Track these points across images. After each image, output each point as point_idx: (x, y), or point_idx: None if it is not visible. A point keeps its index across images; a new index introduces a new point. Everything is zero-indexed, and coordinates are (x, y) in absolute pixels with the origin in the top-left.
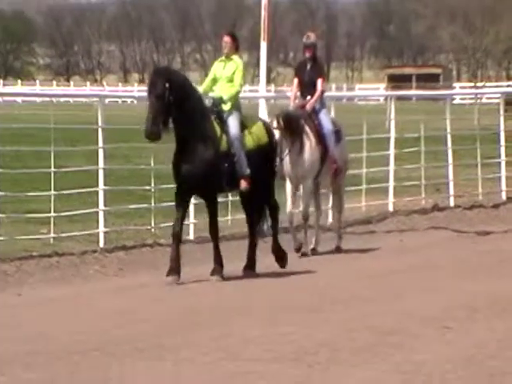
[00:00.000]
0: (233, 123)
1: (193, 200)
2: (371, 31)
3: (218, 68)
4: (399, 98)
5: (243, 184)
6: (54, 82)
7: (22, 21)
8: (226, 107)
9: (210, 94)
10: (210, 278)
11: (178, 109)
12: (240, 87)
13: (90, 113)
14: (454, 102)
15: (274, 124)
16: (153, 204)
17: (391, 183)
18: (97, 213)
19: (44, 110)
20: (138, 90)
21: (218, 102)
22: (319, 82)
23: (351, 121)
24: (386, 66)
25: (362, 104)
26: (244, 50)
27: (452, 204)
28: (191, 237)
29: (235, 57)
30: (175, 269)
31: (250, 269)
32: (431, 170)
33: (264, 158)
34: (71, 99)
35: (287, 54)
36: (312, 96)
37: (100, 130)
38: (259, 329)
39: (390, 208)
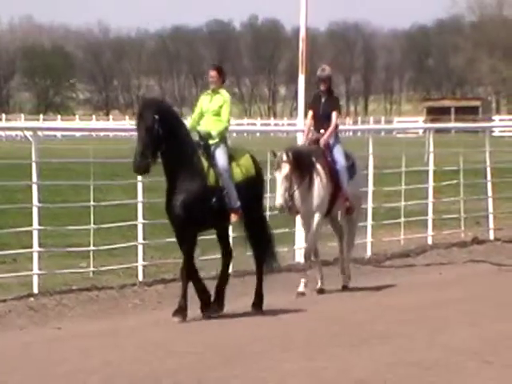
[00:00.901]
0: (220, 156)
1: (231, 233)
2: (410, 64)
3: (205, 101)
4: (438, 131)
5: (233, 217)
6: (94, 117)
7: (62, 56)
8: (212, 141)
9: (198, 128)
10: (173, 318)
11: (167, 141)
12: (228, 122)
13: (128, 146)
14: (494, 134)
15: (284, 158)
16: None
17: (430, 216)
18: (136, 246)
19: (83, 144)
20: None
21: (207, 137)
22: (334, 115)
23: (390, 153)
24: (425, 99)
25: (400, 137)
26: (282, 84)
27: (492, 237)
28: (230, 270)
29: (222, 91)
30: (183, 308)
31: (257, 306)
32: (470, 202)
33: (253, 190)
34: (110, 133)
35: None
36: (326, 130)
37: None
38: (296, 363)
39: (429, 241)
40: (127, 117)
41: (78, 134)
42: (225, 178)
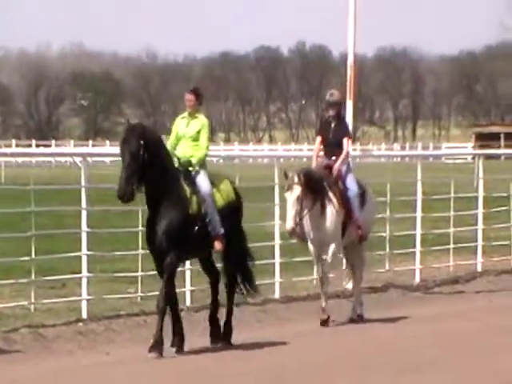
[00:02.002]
0: (203, 181)
1: (278, 259)
2: (458, 89)
3: (181, 125)
4: (487, 157)
5: (217, 245)
6: None
7: (111, 82)
8: (192, 168)
9: (177, 154)
10: (148, 354)
11: (151, 168)
12: (207, 149)
13: None
14: None
15: (295, 179)
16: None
17: (480, 242)
18: (183, 272)
19: None
20: (223, 149)
21: (187, 165)
22: (345, 141)
23: (438, 180)
24: (474, 125)
25: (449, 163)
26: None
27: None
28: (277, 296)
29: (200, 115)
30: (159, 343)
31: (226, 339)
32: None
33: (235, 216)
34: None
35: (373, 113)
36: (337, 156)
37: None
38: None
39: (479, 268)
40: None
41: None
42: (208, 203)
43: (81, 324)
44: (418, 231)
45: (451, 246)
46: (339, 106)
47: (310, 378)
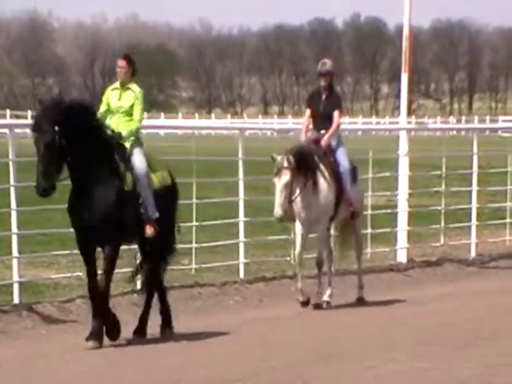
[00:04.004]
0: (138, 159)
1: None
2: None
3: (112, 98)
4: None
5: (149, 230)
6: (196, 115)
7: (166, 54)
8: (127, 143)
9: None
10: (86, 343)
11: (73, 150)
12: (140, 123)
13: (230, 145)
14: None
15: (285, 164)
16: (292, 235)
17: None
18: (237, 244)
19: (186, 142)
20: (277, 123)
21: (117, 138)
22: (336, 114)
23: (495, 153)
24: None
25: (506, 136)
26: (384, 82)
27: None
28: (332, 269)
29: (133, 85)
30: (98, 332)
31: (140, 333)
32: None
33: (169, 201)
34: (212, 131)
35: (428, 86)
36: (327, 130)
37: (240, 162)
38: (399, 363)
39: None
40: (229, 115)
41: (180, 131)
42: (143, 183)
43: (135, 295)
44: (474, 205)
45: (508, 220)
46: (331, 76)
47: (366, 350)
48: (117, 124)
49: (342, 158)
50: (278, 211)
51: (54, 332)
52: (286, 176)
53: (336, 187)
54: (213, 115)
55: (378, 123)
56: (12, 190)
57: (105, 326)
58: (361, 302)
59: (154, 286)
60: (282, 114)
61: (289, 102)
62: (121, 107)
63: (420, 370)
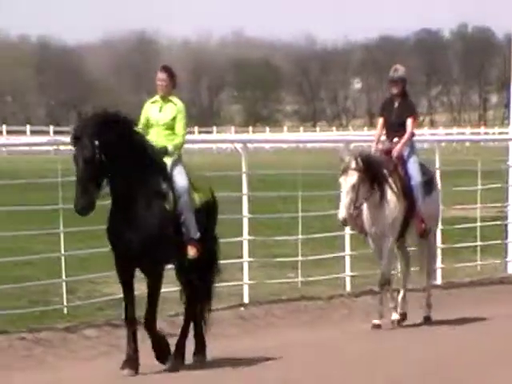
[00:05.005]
0: (180, 176)
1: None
2: None
3: (153, 111)
4: None
5: (191, 251)
6: (301, 128)
7: (270, 69)
8: (168, 159)
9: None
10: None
11: (113, 166)
12: (184, 137)
13: (331, 158)
14: None
15: (352, 165)
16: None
17: None
18: (343, 257)
19: (291, 155)
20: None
21: (162, 153)
22: (409, 122)
23: None
24: None
25: None
26: (493, 91)
27: None
28: (439, 282)
29: (174, 98)
30: (133, 358)
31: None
32: None
33: (211, 218)
34: (317, 144)
35: None
36: (400, 139)
37: None
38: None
39: None
40: (334, 128)
41: (285, 145)
42: (184, 202)
43: (242, 309)
44: None
45: None
46: (404, 82)
47: (475, 364)
48: (157, 137)
49: (414, 170)
50: (342, 213)
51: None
52: (352, 177)
53: (406, 203)
54: (317, 128)
55: (486, 134)
56: None
57: (154, 350)
58: (428, 321)
59: (202, 304)
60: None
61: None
62: (162, 120)
63: None
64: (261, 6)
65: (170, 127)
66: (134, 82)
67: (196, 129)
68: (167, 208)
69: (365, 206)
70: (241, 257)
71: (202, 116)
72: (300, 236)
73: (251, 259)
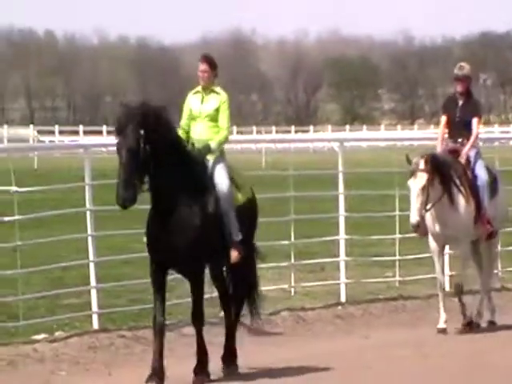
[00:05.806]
0: (221, 174)
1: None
2: None
3: (194, 102)
4: None
5: (234, 254)
6: (399, 126)
7: (368, 67)
8: (210, 155)
9: (193, 138)
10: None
11: (157, 160)
12: (228, 131)
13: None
14: None
15: (421, 165)
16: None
17: None
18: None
19: (388, 153)
20: (484, 132)
21: (205, 151)
22: (475, 122)
23: None
24: None
25: None
26: None
27: None
28: (497, 285)
29: (217, 88)
30: (158, 371)
31: (230, 363)
32: None
33: (251, 219)
34: (415, 142)
35: None
36: (463, 138)
37: None
38: None
39: None
40: (432, 126)
41: (382, 143)
42: (226, 202)
43: (339, 307)
44: None
45: None
46: (469, 80)
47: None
48: (200, 130)
49: (481, 171)
50: (414, 217)
51: (261, 344)
52: (422, 179)
53: (474, 204)
54: (415, 126)
55: None
56: None
57: (198, 359)
58: (493, 325)
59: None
60: (487, 123)
61: (494, 110)
62: (205, 111)
63: None
64: (357, 4)
65: (214, 119)
66: (228, 81)
67: (293, 128)
68: (210, 209)
69: (433, 208)
70: (337, 256)
71: (298, 115)
72: (397, 235)
73: (348, 258)
